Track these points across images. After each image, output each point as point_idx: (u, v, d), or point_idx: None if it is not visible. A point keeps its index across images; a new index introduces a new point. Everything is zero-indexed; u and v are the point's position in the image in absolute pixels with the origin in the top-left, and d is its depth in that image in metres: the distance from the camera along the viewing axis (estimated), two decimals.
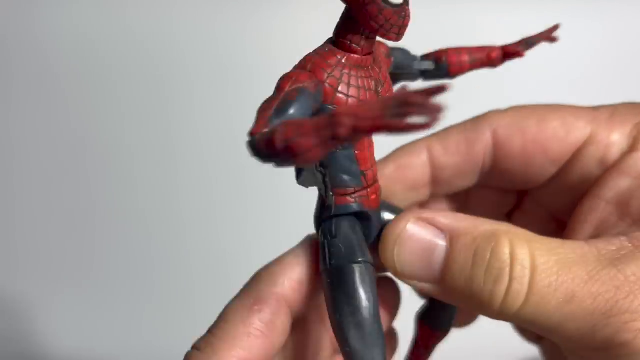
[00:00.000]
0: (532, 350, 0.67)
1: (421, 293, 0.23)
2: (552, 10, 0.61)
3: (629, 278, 0.18)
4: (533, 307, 0.18)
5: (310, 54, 0.19)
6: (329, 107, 0.18)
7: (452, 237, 0.19)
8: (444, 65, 0.23)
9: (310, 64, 0.19)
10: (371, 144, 0.21)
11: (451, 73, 0.23)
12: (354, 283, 0.19)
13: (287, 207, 0.39)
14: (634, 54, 0.64)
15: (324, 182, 0.21)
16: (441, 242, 0.19)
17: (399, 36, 0.18)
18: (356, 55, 0.18)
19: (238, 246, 0.41)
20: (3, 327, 0.52)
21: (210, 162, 0.55)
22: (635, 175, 0.22)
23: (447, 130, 0.25)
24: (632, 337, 0.18)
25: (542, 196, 0.26)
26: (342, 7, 0.19)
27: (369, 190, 0.20)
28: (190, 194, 0.54)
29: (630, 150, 0.22)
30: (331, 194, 0.20)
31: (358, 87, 0.18)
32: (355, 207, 0.20)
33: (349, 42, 0.18)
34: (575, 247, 0.19)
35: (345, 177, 0.20)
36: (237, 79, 0.55)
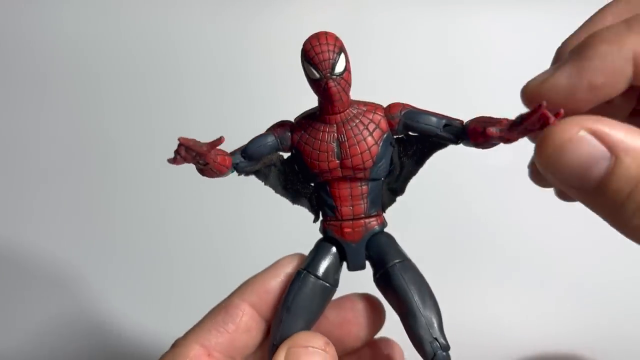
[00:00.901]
0: (531, 350, 0.65)
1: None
2: (549, 12, 0.61)
3: None
4: None
5: (312, 108, 0.25)
6: (295, 147, 0.25)
7: (619, 155, 0.18)
8: (465, 132, 0.23)
9: (300, 116, 0.25)
10: (353, 187, 0.25)
11: (471, 141, 0.23)
12: (292, 282, 0.25)
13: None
14: None
15: (313, 206, 0.26)
16: (606, 158, 0.18)
17: (332, 103, 0.23)
18: (321, 116, 0.24)
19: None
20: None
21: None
22: None
23: None
24: None
25: None
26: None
27: (342, 223, 0.25)
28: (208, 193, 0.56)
29: None
30: (320, 218, 0.26)
31: (314, 138, 0.24)
32: (328, 233, 0.25)
33: (319, 107, 0.24)
34: None
35: (324, 207, 0.25)
36: (236, 79, 0.57)
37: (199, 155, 0.21)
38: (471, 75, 0.61)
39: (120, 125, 0.60)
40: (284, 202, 0.27)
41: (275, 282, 0.26)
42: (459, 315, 0.64)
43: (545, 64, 0.57)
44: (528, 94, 0.21)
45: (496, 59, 0.63)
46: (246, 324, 0.26)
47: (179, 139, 0.21)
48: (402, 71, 0.60)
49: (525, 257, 0.70)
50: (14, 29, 0.61)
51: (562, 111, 0.19)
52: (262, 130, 0.25)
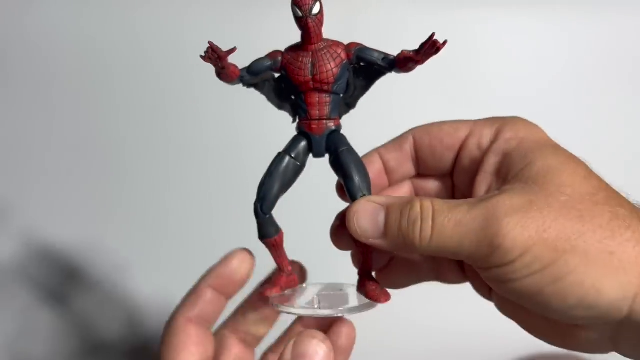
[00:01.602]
0: (526, 350, 0.69)
1: (377, 248, 0.33)
2: (546, 14, 0.65)
3: (495, 205, 0.28)
4: (438, 235, 0.28)
5: (297, 42, 0.36)
6: (283, 67, 0.36)
7: (387, 207, 0.31)
8: (393, 60, 0.34)
9: (288, 47, 0.36)
10: (320, 97, 0.36)
11: (397, 66, 0.34)
12: (274, 160, 0.37)
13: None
14: (623, 58, 0.66)
15: (293, 111, 0.38)
16: (381, 212, 0.31)
17: (309, 35, 0.34)
18: (302, 46, 0.35)
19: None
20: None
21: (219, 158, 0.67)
22: (500, 153, 0.33)
23: (389, 141, 0.39)
24: (501, 241, 0.27)
25: (455, 180, 0.37)
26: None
27: (310, 121, 0.36)
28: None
29: (494, 138, 0.34)
30: (297, 119, 0.38)
31: (296, 60, 0.35)
32: (302, 128, 0.37)
33: (301, 40, 0.35)
34: (465, 199, 0.30)
35: (300, 110, 0.37)
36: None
37: (219, 58, 0.33)
38: (470, 75, 0.68)
39: (128, 124, 0.68)
40: None
41: (226, 269, 0.38)
42: (458, 315, 0.72)
43: (543, 64, 0.68)
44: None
45: (494, 60, 0.69)
46: (211, 300, 0.38)
47: (209, 42, 0.32)
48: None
49: None
50: (33, 32, 0.67)
51: (446, 40, 0.30)
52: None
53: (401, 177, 0.39)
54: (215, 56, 0.33)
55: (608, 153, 0.64)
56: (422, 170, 0.39)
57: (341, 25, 0.57)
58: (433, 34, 0.30)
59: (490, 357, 0.70)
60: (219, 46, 0.33)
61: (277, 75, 0.37)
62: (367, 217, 0.32)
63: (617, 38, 0.67)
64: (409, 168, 0.39)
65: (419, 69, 0.51)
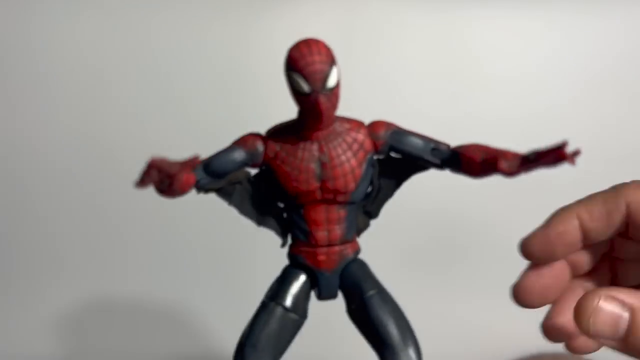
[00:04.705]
0: (526, 350, 0.69)
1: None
2: (544, 15, 0.63)
3: None
4: None
5: (287, 121, 0.22)
6: (267, 164, 0.22)
7: (633, 313, 0.25)
8: (458, 159, 0.22)
9: (273, 129, 0.22)
10: (330, 211, 0.22)
11: (464, 169, 0.22)
12: (258, 314, 0.23)
13: None
14: (621, 59, 0.65)
15: (282, 230, 0.23)
16: (625, 314, 0.25)
17: (319, 120, 0.20)
18: (302, 132, 0.21)
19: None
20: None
21: None
22: None
23: (591, 200, 0.30)
24: None
25: None
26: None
27: (317, 250, 0.22)
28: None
29: None
30: (287, 241, 0.23)
31: (292, 157, 0.21)
32: (299, 259, 0.23)
33: (299, 121, 0.21)
34: None
35: (296, 230, 0.23)
36: (239, 82, 0.60)
37: (167, 177, 0.18)
38: (469, 77, 0.64)
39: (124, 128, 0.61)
40: None
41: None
42: (457, 319, 0.73)
43: (541, 64, 0.63)
44: (523, 248, 0.29)
45: (493, 61, 0.65)
46: None
47: (149, 161, 0.17)
48: (401, 73, 0.61)
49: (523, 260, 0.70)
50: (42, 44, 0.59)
51: (579, 149, 0.18)
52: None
53: (597, 241, 0.32)
54: (161, 176, 0.18)
55: (607, 152, 0.66)
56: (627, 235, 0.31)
57: (340, 25, 0.61)
58: (564, 144, 0.18)
59: (491, 356, 0.70)
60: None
61: (253, 171, 0.23)
62: (607, 321, 0.26)
63: (615, 37, 0.66)
64: (610, 235, 0.32)
65: (420, 70, 0.54)
